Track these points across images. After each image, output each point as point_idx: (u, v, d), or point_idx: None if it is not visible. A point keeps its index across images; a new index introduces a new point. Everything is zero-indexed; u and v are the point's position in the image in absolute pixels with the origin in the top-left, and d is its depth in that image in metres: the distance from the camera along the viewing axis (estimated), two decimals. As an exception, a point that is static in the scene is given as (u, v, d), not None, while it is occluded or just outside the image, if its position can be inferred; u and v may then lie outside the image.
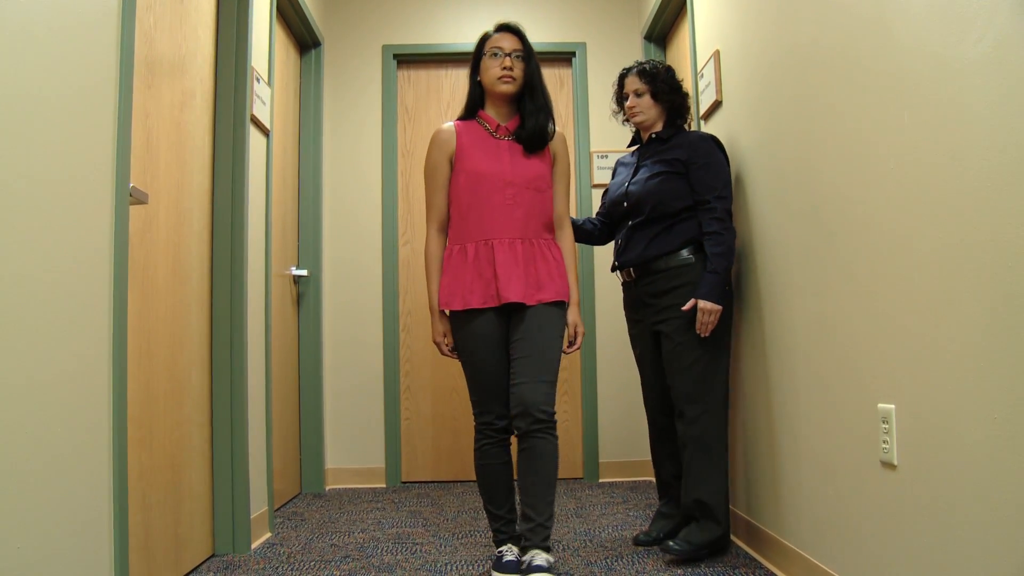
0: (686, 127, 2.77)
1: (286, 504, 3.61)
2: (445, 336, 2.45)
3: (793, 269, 2.29)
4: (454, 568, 2.53)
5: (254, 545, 2.81)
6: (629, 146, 2.90)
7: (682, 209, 2.58)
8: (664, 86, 2.70)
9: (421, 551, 2.75)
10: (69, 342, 1.63)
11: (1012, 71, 1.33)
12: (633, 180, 2.69)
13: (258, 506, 2.91)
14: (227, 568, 2.54)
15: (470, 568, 2.53)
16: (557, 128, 2.53)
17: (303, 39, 3.96)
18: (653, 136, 2.70)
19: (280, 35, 3.60)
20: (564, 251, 2.49)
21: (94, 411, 1.72)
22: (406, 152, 4.29)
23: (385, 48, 4.29)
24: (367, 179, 4.23)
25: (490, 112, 2.50)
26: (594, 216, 3.02)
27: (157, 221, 2.28)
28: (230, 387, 2.69)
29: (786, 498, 2.38)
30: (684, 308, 2.50)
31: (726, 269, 2.49)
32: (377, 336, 4.16)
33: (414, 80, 4.34)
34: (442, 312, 2.44)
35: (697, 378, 2.54)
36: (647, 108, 2.71)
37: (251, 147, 2.89)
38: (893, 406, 1.75)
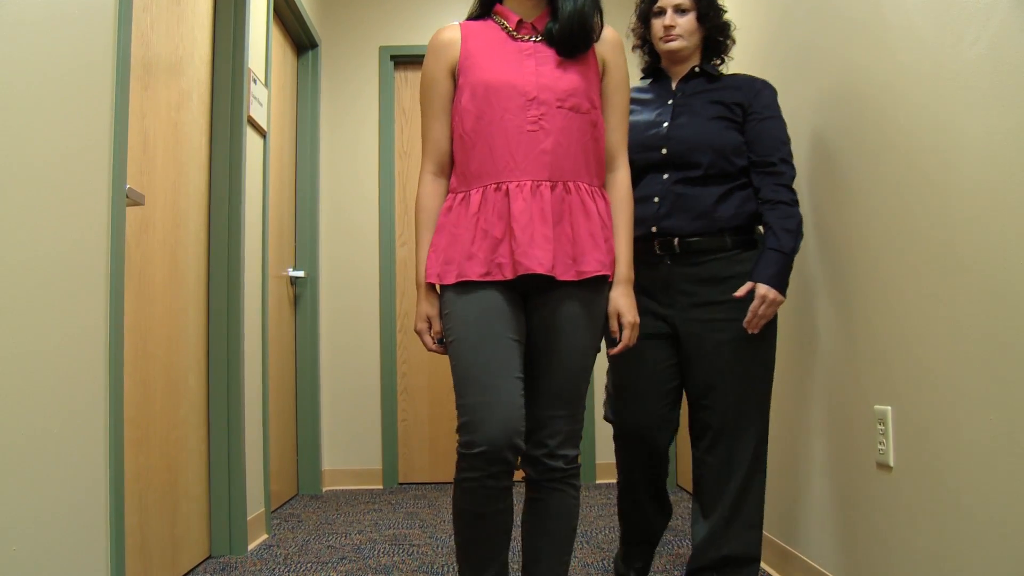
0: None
1: (283, 505, 3.61)
2: (430, 322, 1.69)
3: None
4: (451, 570, 2.53)
5: (251, 546, 2.81)
6: (644, 78, 2.19)
7: (740, 170, 1.97)
8: (714, 6, 2.05)
9: (418, 552, 2.75)
10: (65, 343, 1.63)
11: (1008, 72, 1.33)
12: (676, 121, 2.01)
13: (255, 507, 2.91)
14: (224, 569, 2.54)
15: (467, 569, 2.53)
16: (608, 27, 1.74)
17: (300, 40, 3.96)
18: (696, 70, 2.06)
19: (277, 36, 3.60)
20: (615, 203, 1.71)
21: (91, 412, 1.72)
22: (403, 153, 4.29)
23: (382, 49, 4.28)
24: (364, 180, 4.23)
25: (510, 6, 1.73)
26: None
27: (154, 222, 2.28)
28: (227, 388, 2.69)
29: (783, 499, 2.38)
30: (738, 293, 1.89)
31: (794, 251, 1.91)
32: (374, 337, 4.16)
33: (411, 81, 4.34)
34: (430, 288, 1.69)
35: (758, 399, 1.96)
36: (689, 32, 2.02)
37: (248, 148, 2.89)
38: (889, 408, 1.75)
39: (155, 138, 2.29)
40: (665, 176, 1.99)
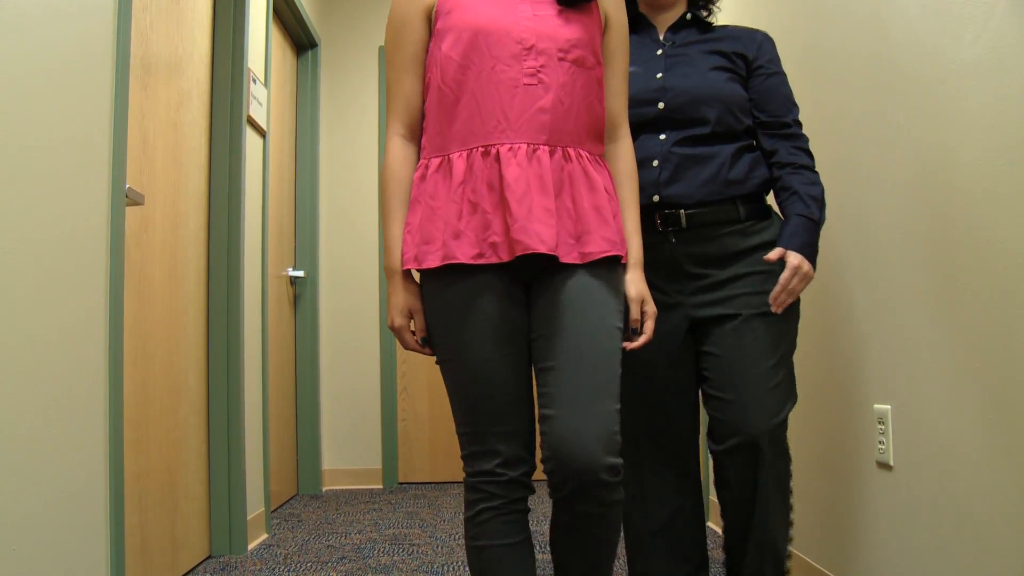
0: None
1: (283, 505, 3.61)
2: (411, 317, 1.42)
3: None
4: (451, 569, 2.53)
5: (251, 546, 2.81)
6: None
7: (745, 130, 1.72)
8: None
9: (418, 552, 2.75)
10: (65, 344, 1.63)
11: (1007, 72, 1.33)
12: (671, 71, 1.72)
13: (255, 507, 2.91)
14: (224, 569, 2.54)
15: (466, 570, 2.53)
16: None
17: (300, 40, 3.96)
18: (688, 17, 1.78)
19: (276, 36, 3.60)
20: (618, 176, 1.49)
21: (90, 413, 1.72)
22: (403, 153, 4.29)
23: (382, 49, 4.28)
24: (364, 180, 4.23)
25: None
26: None
27: (153, 222, 2.28)
28: (227, 388, 2.69)
29: (783, 499, 2.39)
30: (769, 256, 1.59)
31: (821, 223, 1.67)
32: (374, 337, 4.16)
33: (411, 81, 4.34)
34: (406, 275, 1.42)
35: (781, 390, 1.64)
36: None
37: (247, 148, 2.89)
38: (889, 407, 1.75)
39: (155, 138, 2.29)
40: (662, 136, 1.70)
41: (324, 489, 4.03)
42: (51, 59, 1.60)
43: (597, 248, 1.36)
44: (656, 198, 1.67)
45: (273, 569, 2.55)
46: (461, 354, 1.37)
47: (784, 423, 1.65)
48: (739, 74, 1.72)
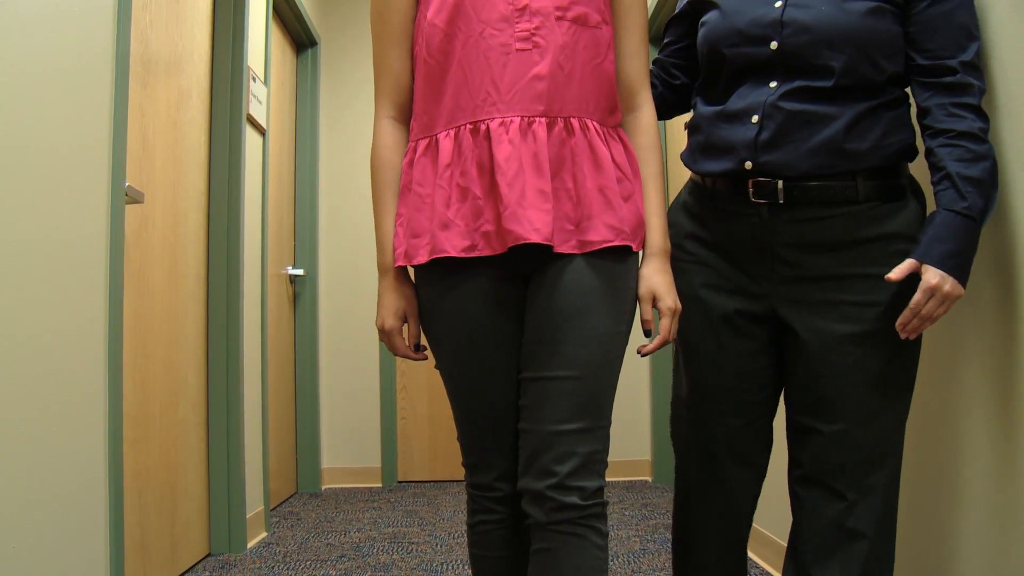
0: None
1: (282, 503, 3.62)
2: (405, 318, 1.30)
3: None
4: (450, 568, 2.54)
5: (250, 544, 2.82)
6: None
7: (889, 79, 1.31)
8: None
9: (417, 551, 2.75)
10: (65, 342, 1.63)
11: (1005, 72, 1.33)
12: (792, 1, 1.32)
13: (254, 505, 2.91)
14: (223, 567, 2.54)
15: (465, 568, 2.53)
16: None
17: (299, 38, 3.96)
18: None
19: (276, 34, 3.60)
20: (639, 151, 1.31)
21: (90, 411, 1.72)
22: (402, 151, 4.29)
23: (382, 47, 4.28)
24: (363, 178, 4.23)
25: None
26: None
27: (153, 221, 2.28)
28: (226, 386, 2.70)
29: (781, 498, 2.38)
30: (892, 276, 1.22)
31: (985, 214, 1.23)
32: (373, 335, 4.17)
33: (411, 79, 4.34)
34: (400, 273, 1.29)
35: (888, 427, 1.32)
36: None
37: (247, 146, 2.89)
38: (888, 406, 1.75)
39: (154, 136, 2.29)
40: (772, 84, 1.32)
41: (323, 487, 4.04)
42: (51, 57, 1.60)
43: (598, 237, 1.21)
44: (749, 164, 1.32)
45: (272, 567, 2.56)
46: (452, 365, 1.28)
47: (886, 472, 1.31)
48: (893, 3, 1.29)
